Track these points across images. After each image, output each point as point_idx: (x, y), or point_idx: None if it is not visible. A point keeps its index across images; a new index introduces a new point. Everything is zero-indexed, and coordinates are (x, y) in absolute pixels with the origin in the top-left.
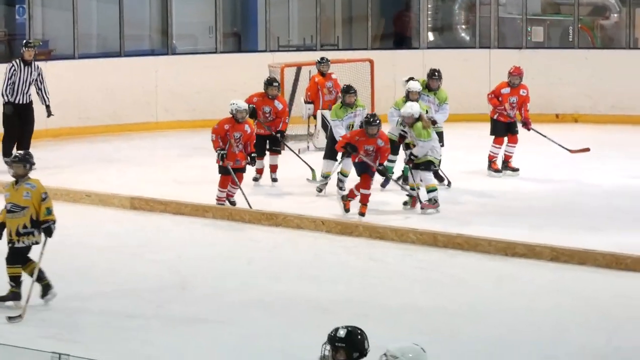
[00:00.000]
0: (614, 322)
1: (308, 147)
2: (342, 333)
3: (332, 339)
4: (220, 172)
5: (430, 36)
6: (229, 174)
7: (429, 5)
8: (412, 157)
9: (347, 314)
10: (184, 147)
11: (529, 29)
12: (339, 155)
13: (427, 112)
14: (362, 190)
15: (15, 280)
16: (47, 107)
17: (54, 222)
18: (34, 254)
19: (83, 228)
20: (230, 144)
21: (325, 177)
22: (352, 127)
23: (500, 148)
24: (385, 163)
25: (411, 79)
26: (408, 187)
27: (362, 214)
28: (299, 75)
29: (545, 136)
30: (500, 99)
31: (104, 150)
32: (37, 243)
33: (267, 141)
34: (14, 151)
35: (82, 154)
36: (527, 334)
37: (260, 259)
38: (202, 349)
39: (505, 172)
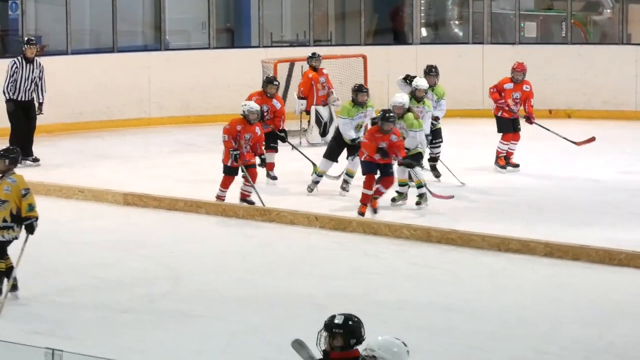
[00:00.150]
0: (608, 317)
1: (300, 142)
2: (339, 320)
3: (330, 325)
4: (225, 172)
5: (424, 32)
6: (233, 175)
7: (422, 1)
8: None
9: (341, 309)
10: (177, 143)
11: (522, 25)
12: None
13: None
14: (363, 190)
15: None
16: (40, 104)
17: (36, 219)
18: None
19: (76, 224)
20: (239, 144)
21: (319, 175)
22: (362, 127)
23: (507, 145)
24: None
25: (406, 77)
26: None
27: (361, 213)
28: (292, 71)
29: (548, 129)
30: (502, 94)
31: (97, 146)
32: (16, 238)
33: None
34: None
35: (75, 150)
36: (520, 329)
37: (254, 255)
38: (195, 345)
39: (507, 168)
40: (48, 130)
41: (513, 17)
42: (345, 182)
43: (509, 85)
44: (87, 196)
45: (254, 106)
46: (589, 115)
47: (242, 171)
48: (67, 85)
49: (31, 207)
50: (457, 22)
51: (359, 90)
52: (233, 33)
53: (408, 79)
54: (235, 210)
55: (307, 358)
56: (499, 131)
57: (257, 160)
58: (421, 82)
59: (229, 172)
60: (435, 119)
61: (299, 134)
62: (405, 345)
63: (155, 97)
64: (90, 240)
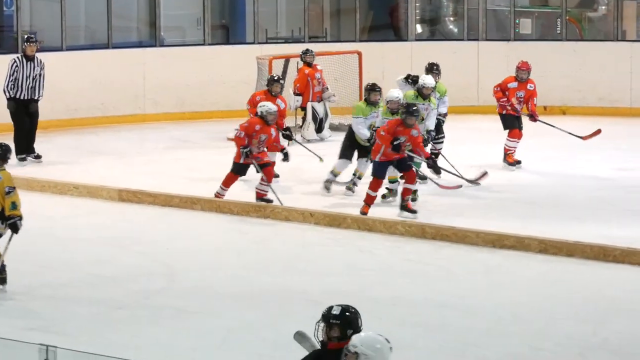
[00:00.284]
0: (602, 313)
1: (294, 139)
2: (336, 311)
3: (327, 316)
4: (233, 170)
5: (419, 28)
6: (240, 175)
7: None
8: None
9: None
10: (172, 139)
11: (517, 21)
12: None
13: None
14: (368, 191)
15: None
16: (37, 100)
17: (20, 217)
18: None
19: (71, 220)
20: (252, 143)
21: (335, 175)
22: (373, 127)
23: (515, 141)
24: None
25: (408, 77)
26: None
27: (364, 213)
28: (287, 68)
29: (553, 126)
30: (506, 93)
31: (92, 143)
32: (0, 235)
33: None
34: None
35: (70, 146)
36: (515, 325)
37: (248, 251)
38: (191, 341)
39: (506, 165)
40: (43, 127)
41: (508, 14)
42: (354, 183)
43: (513, 85)
44: (82, 192)
45: (272, 107)
46: (584, 111)
47: (258, 171)
48: (62, 82)
49: (14, 206)
50: (452, 18)
51: (372, 89)
52: (228, 29)
53: (410, 79)
54: (230, 207)
55: (310, 348)
56: (505, 128)
57: (280, 156)
58: (428, 80)
59: (237, 171)
60: (444, 115)
61: (294, 130)
62: (388, 341)
63: (150, 93)
64: (85, 236)
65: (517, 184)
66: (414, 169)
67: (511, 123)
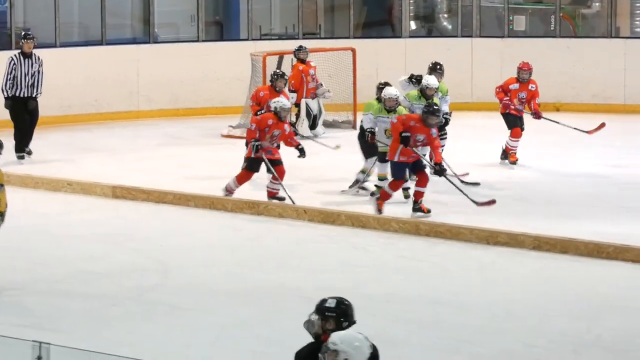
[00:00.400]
0: (596, 310)
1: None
2: (331, 303)
3: (322, 309)
4: (247, 167)
5: (413, 25)
6: (254, 171)
7: None
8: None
9: None
10: (166, 136)
11: (510, 18)
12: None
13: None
14: (386, 189)
15: None
16: (35, 97)
17: (1, 214)
18: None
19: (65, 217)
20: (265, 138)
21: (367, 175)
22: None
23: (516, 140)
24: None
25: (411, 77)
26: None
27: (379, 210)
28: (281, 64)
29: (557, 122)
30: (508, 94)
31: (86, 139)
32: None
33: None
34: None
35: (64, 143)
36: (509, 322)
37: (242, 248)
38: (184, 338)
39: (504, 163)
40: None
41: (502, 10)
42: (364, 181)
43: (514, 86)
44: (76, 189)
45: (286, 103)
46: (577, 108)
47: (269, 170)
48: (56, 78)
49: None
50: (446, 15)
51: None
52: (222, 26)
53: (414, 79)
54: (224, 204)
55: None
56: (508, 127)
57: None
58: (432, 81)
59: (250, 167)
60: (449, 114)
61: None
62: (367, 339)
63: (144, 90)
64: (79, 233)
65: (511, 181)
66: (427, 171)
67: (514, 122)
